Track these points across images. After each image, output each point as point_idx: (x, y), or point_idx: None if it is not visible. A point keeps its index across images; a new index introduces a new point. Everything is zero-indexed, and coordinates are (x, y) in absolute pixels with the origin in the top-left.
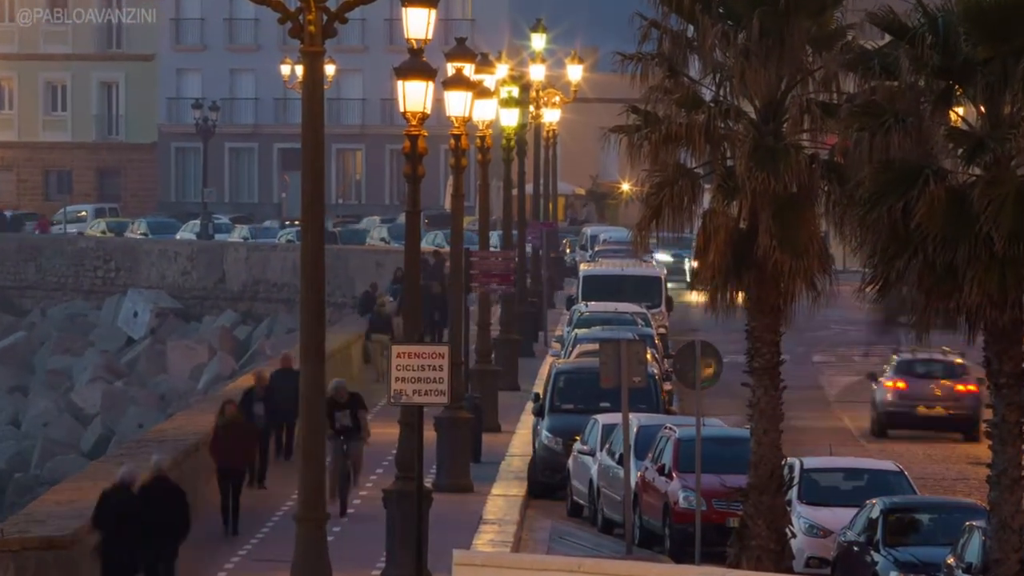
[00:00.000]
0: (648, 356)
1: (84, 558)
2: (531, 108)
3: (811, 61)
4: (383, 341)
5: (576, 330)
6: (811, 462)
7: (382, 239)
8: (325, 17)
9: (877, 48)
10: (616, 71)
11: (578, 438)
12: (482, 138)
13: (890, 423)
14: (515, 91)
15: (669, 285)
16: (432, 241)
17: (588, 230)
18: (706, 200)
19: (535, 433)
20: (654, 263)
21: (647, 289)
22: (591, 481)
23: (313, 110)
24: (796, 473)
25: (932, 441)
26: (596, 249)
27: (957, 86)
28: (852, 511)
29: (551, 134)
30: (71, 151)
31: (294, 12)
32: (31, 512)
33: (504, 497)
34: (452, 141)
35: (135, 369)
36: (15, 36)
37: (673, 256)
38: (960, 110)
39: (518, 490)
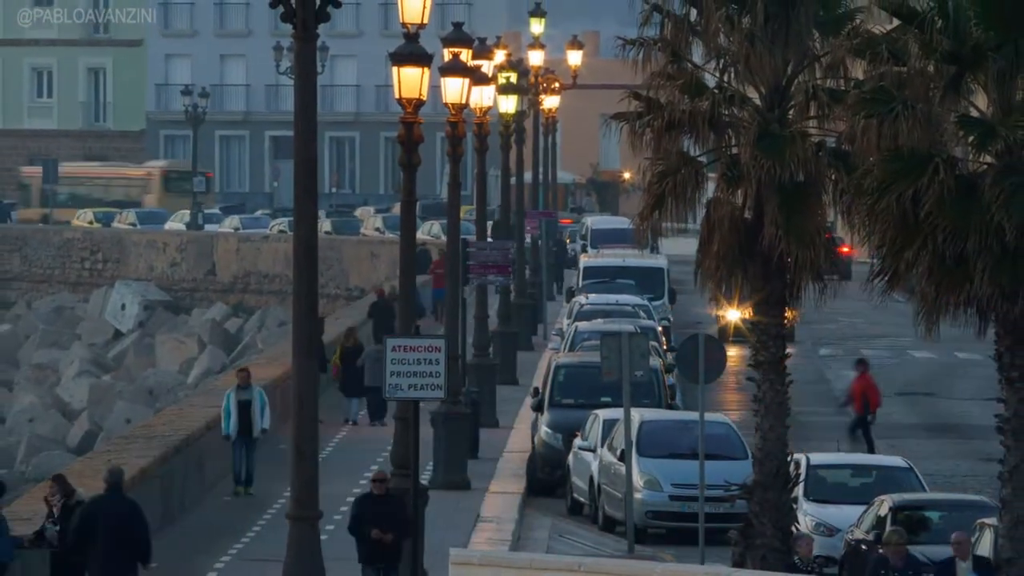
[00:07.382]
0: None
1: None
2: (530, 95)
3: (818, 46)
4: None
5: (576, 323)
6: (818, 458)
7: (377, 229)
8: (318, 1)
9: (885, 33)
10: (617, 56)
11: (578, 434)
12: (479, 125)
13: None
14: (513, 77)
15: None
16: (429, 231)
17: (588, 221)
18: (710, 189)
19: (534, 429)
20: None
21: (650, 281)
22: (592, 478)
23: (306, 97)
24: (802, 469)
25: (943, 437)
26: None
27: (968, 72)
28: (860, 508)
29: (550, 121)
30: (57, 139)
31: None
32: (15, 511)
33: (502, 494)
34: (448, 128)
35: (123, 363)
36: (0, 21)
37: None
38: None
39: (516, 487)
